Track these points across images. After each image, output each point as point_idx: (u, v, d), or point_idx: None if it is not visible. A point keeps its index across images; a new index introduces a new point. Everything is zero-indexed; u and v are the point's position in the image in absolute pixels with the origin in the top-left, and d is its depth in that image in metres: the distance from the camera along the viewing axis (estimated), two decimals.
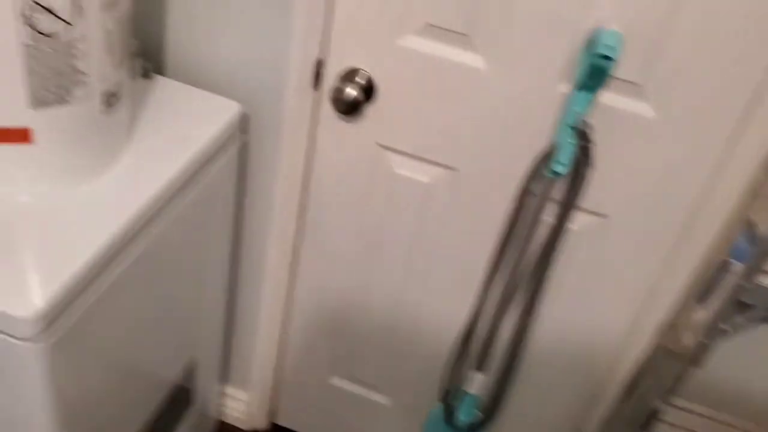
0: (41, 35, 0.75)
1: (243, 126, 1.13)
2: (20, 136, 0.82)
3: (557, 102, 0.98)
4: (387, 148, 1.11)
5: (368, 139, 1.11)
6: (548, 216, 1.06)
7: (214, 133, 1.03)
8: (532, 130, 1.02)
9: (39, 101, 0.79)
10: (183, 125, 1.03)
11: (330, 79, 1.07)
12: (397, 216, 1.17)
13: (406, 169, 1.12)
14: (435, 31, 0.99)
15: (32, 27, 0.74)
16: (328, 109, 1.10)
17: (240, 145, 1.14)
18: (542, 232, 1.08)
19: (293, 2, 1.01)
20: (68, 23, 0.76)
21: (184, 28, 1.10)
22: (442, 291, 1.22)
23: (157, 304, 1.04)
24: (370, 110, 1.08)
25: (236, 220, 1.26)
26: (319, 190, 1.19)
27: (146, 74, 1.08)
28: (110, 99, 0.87)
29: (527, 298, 1.11)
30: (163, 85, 1.10)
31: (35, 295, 0.76)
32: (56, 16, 0.75)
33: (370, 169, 1.14)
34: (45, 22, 0.75)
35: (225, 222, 1.19)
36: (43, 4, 0.73)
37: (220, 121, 1.05)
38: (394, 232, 1.19)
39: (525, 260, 1.07)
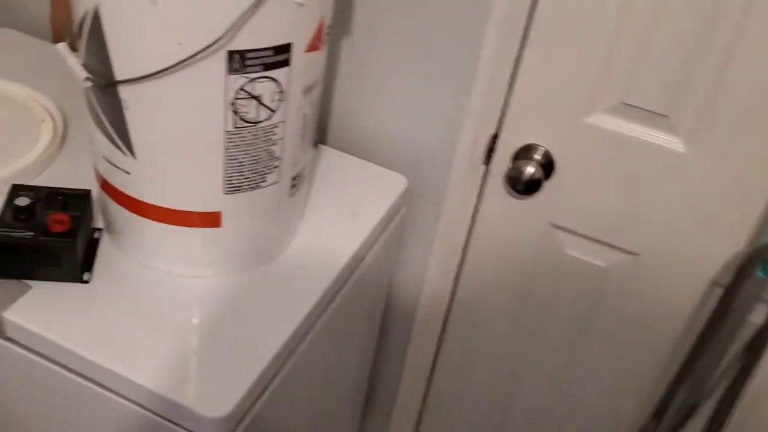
0: (244, 122, 0.72)
1: (405, 198, 1.08)
2: (211, 220, 0.79)
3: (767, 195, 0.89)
4: (559, 228, 1.04)
5: (540, 217, 1.04)
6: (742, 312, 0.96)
7: (384, 210, 0.99)
8: (733, 222, 0.92)
9: (233, 187, 0.76)
10: (353, 200, 0.99)
11: (503, 154, 1.01)
12: (564, 300, 1.09)
13: (579, 251, 1.04)
14: (630, 110, 0.92)
15: (237, 114, 0.72)
16: (497, 185, 1.04)
17: (402, 219, 1.09)
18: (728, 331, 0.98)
19: (473, 78, 0.96)
20: (272, 110, 0.73)
21: (351, 97, 1.07)
22: (608, 385, 1.13)
23: (318, 387, 0.99)
24: (545, 188, 1.01)
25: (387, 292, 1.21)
26: (476, 267, 1.13)
27: (314, 144, 1.05)
28: (297, 181, 0.84)
29: (716, 403, 1.01)
30: (328, 155, 1.06)
31: (227, 392, 0.72)
32: (262, 103, 0.72)
33: (538, 249, 1.07)
34: (250, 109, 0.72)
35: (380, 295, 1.15)
36: (252, 93, 0.71)
37: (389, 197, 1.01)
38: (559, 316, 1.11)
39: (720, 364, 0.97)
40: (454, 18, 0.94)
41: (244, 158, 0.75)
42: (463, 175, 1.04)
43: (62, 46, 0.74)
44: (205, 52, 0.66)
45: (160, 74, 0.67)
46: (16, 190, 0.80)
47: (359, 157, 1.08)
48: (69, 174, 0.93)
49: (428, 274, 1.16)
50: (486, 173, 1.04)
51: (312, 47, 0.73)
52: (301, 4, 0.67)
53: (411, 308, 1.22)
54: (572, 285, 1.07)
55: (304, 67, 0.73)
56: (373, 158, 1.09)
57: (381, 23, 0.99)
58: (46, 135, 0.95)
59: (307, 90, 0.76)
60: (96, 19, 0.67)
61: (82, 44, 0.71)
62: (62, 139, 0.97)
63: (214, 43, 0.65)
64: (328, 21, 0.75)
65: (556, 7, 0.89)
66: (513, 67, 0.95)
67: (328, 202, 0.98)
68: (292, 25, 0.69)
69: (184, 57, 0.65)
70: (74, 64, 0.72)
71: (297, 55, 0.71)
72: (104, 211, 0.85)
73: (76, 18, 0.71)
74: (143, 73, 0.67)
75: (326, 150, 1.08)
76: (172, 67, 0.66)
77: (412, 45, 0.99)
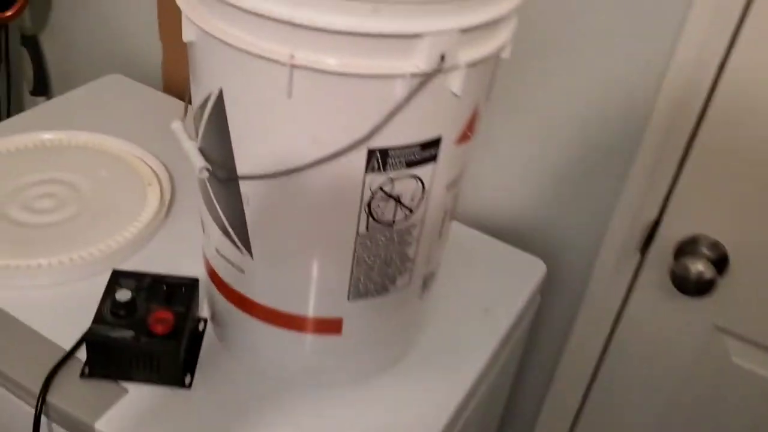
0: (378, 224, 0.61)
1: (543, 286, 0.95)
2: (331, 327, 0.68)
3: None
4: (726, 332, 0.88)
5: (703, 318, 0.88)
6: None
7: (521, 304, 0.86)
8: None
9: (358, 292, 0.66)
10: (483, 288, 0.86)
11: (664, 244, 0.86)
12: (725, 415, 0.92)
13: (749, 360, 0.88)
14: None
15: (372, 216, 0.61)
16: (653, 279, 0.89)
17: (537, 309, 0.95)
18: None
19: (635, 155, 0.82)
20: (410, 210, 0.62)
21: (478, 166, 0.94)
22: None
23: None
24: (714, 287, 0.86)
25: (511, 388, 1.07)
26: (618, 367, 0.97)
27: None
28: (428, 281, 0.72)
29: None
30: (455, 232, 0.94)
31: None
32: (401, 203, 0.61)
33: (696, 353, 0.91)
34: (387, 210, 0.61)
35: (504, 393, 1.01)
36: (390, 193, 0.59)
37: (526, 286, 0.88)
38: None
39: None
40: (621, 79, 0.81)
41: (374, 262, 0.64)
42: (612, 264, 0.90)
43: (178, 127, 0.65)
44: (344, 151, 0.55)
45: (289, 173, 0.57)
46: (117, 277, 0.72)
47: (486, 234, 0.96)
48: (173, 249, 0.84)
49: (559, 371, 1.02)
50: (640, 264, 0.89)
51: (463, 138, 0.62)
52: (457, 96, 0.56)
53: (537, 406, 1.08)
54: (737, 398, 0.91)
55: (451, 161, 0.62)
56: (502, 236, 0.96)
57: (518, 86, 0.87)
58: (152, 202, 0.88)
59: (452, 185, 0.65)
60: (219, 103, 0.58)
61: (201, 128, 0.62)
62: (169, 207, 0.89)
63: (355, 142, 0.54)
64: (483, 107, 0.64)
65: (745, 78, 0.74)
66: (685, 145, 0.80)
67: (454, 290, 0.86)
68: (444, 117, 0.57)
69: (318, 156, 0.55)
70: (191, 149, 0.63)
71: (445, 149, 0.60)
72: (210, 301, 0.76)
73: (197, 98, 0.62)
74: (269, 171, 0.57)
75: (452, 225, 0.96)
76: (304, 166, 0.56)
77: (556, 108, 0.86)
